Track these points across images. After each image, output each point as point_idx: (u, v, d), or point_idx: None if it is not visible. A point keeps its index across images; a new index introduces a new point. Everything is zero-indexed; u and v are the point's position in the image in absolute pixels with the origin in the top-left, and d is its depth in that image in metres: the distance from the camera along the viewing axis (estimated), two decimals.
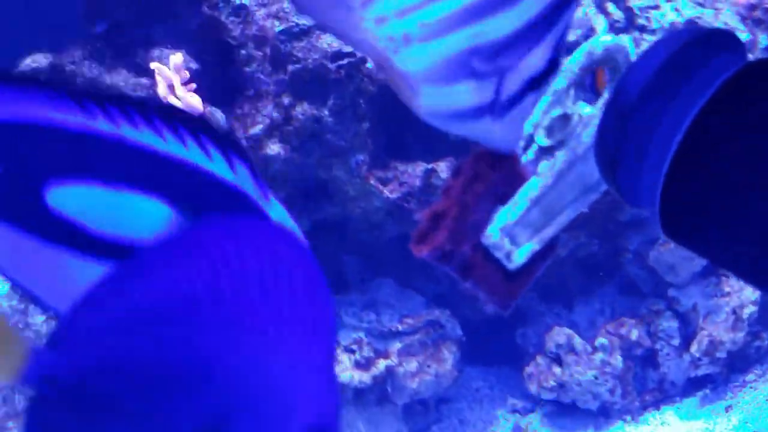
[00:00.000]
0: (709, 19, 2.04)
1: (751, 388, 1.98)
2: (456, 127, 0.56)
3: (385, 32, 0.50)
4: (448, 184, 0.70)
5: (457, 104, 0.53)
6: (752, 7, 2.11)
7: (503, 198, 0.69)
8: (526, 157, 0.70)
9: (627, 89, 0.55)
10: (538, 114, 0.69)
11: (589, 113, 0.67)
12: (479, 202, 0.67)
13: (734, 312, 1.92)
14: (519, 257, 0.69)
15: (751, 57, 1.93)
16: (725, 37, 0.57)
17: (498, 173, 0.67)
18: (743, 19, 2.07)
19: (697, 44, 0.55)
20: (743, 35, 2.02)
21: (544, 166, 0.67)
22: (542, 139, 0.67)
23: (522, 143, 0.70)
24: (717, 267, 0.59)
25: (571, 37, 2.19)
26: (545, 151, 0.68)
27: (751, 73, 0.52)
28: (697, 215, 0.52)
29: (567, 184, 0.67)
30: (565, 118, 0.67)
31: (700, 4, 2.08)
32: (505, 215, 0.67)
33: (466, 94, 0.52)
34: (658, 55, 0.55)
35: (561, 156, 0.66)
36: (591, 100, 0.69)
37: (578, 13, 2.21)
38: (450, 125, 0.55)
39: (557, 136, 0.67)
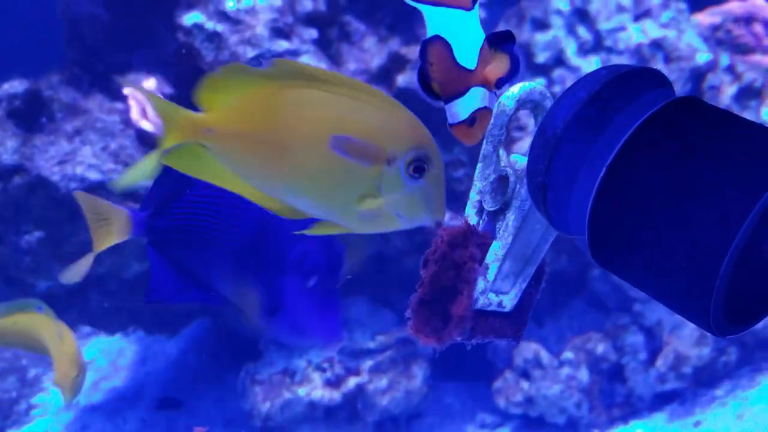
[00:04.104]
0: (672, 40, 2.08)
1: (719, 403, 1.99)
2: None
3: None
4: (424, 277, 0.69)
5: None
6: (715, 29, 2.16)
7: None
8: (482, 222, 0.70)
9: (553, 121, 0.57)
10: (477, 182, 0.69)
11: (522, 164, 0.68)
12: (457, 282, 0.67)
13: None
14: (511, 301, 0.70)
15: (711, 76, 1.95)
16: (652, 74, 0.58)
17: (467, 248, 0.67)
18: (706, 39, 2.11)
19: (622, 80, 0.56)
20: (705, 56, 2.06)
21: (499, 229, 0.68)
22: (489, 205, 0.69)
23: (473, 210, 0.70)
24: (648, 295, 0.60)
25: (540, 59, 2.25)
26: (495, 215, 0.69)
27: (676, 108, 0.53)
28: (623, 246, 0.53)
29: (527, 232, 0.68)
30: (502, 179, 0.68)
31: (665, 26, 2.12)
32: (482, 282, 0.68)
33: None
34: (584, 88, 0.56)
35: (511, 216, 0.67)
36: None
37: (548, 36, 2.25)
38: None
39: (500, 199, 0.68)
